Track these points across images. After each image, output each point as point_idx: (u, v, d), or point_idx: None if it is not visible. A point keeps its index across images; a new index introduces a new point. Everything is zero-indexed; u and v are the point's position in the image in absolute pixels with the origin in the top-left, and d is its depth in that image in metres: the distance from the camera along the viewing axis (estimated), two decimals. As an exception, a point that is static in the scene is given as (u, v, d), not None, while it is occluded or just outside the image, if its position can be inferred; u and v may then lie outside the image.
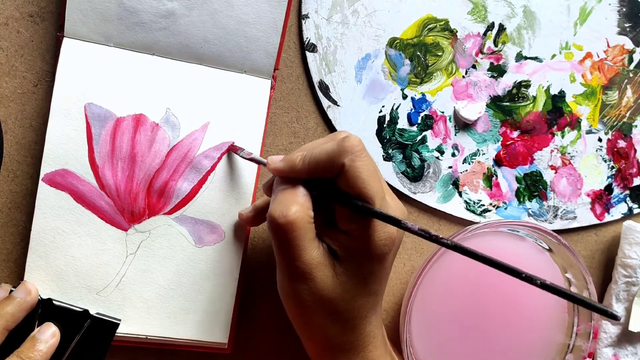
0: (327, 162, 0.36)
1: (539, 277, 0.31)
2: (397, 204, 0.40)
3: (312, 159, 0.37)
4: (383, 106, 0.49)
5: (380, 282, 0.39)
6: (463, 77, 0.51)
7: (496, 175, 0.51)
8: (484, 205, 0.51)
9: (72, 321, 0.42)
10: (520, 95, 0.52)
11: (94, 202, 0.43)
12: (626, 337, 0.52)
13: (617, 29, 0.53)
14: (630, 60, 0.53)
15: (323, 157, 0.37)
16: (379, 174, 0.38)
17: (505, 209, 0.52)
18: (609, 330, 0.52)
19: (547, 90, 0.52)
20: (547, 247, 0.50)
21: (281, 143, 0.48)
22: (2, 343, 0.40)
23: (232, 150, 0.45)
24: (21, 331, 0.41)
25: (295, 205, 0.36)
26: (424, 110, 0.50)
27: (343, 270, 0.37)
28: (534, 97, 0.52)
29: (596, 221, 0.53)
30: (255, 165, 0.46)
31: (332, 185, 0.37)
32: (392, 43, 0.49)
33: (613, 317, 0.30)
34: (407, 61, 0.49)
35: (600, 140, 0.53)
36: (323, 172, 0.37)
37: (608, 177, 0.54)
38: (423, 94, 0.50)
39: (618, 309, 0.52)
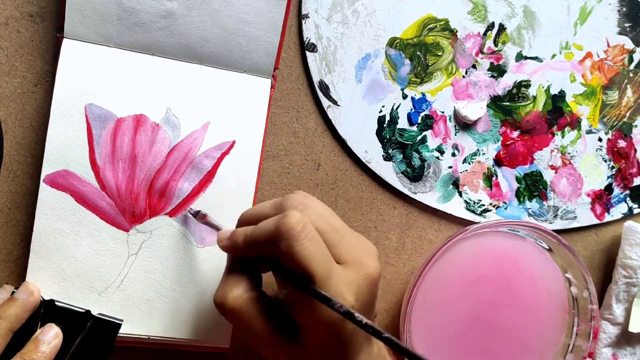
0: (266, 243, 0.35)
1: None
2: (352, 274, 0.36)
3: (253, 240, 0.36)
4: (383, 106, 0.49)
5: (349, 344, 0.36)
6: (463, 77, 0.51)
7: (496, 175, 0.52)
8: (484, 205, 0.51)
9: (74, 322, 0.42)
10: (520, 95, 0.52)
11: (95, 202, 0.43)
12: (625, 338, 0.53)
13: (617, 28, 0.53)
14: (631, 60, 0.53)
15: (263, 239, 0.36)
16: (323, 249, 0.35)
17: (505, 209, 0.52)
18: (608, 330, 0.52)
19: (547, 90, 0.52)
20: (547, 247, 0.50)
21: (281, 143, 0.48)
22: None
23: (190, 213, 0.44)
24: (24, 332, 0.41)
25: (234, 290, 0.36)
26: (424, 110, 0.50)
27: (304, 342, 0.36)
28: (534, 97, 0.52)
29: (596, 221, 0.54)
30: (256, 164, 0.46)
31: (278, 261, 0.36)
32: (392, 43, 0.49)
33: None
34: (407, 61, 0.49)
35: (600, 140, 0.53)
36: (264, 252, 0.36)
37: (608, 177, 0.54)
38: (423, 94, 0.50)
39: (618, 309, 0.52)
